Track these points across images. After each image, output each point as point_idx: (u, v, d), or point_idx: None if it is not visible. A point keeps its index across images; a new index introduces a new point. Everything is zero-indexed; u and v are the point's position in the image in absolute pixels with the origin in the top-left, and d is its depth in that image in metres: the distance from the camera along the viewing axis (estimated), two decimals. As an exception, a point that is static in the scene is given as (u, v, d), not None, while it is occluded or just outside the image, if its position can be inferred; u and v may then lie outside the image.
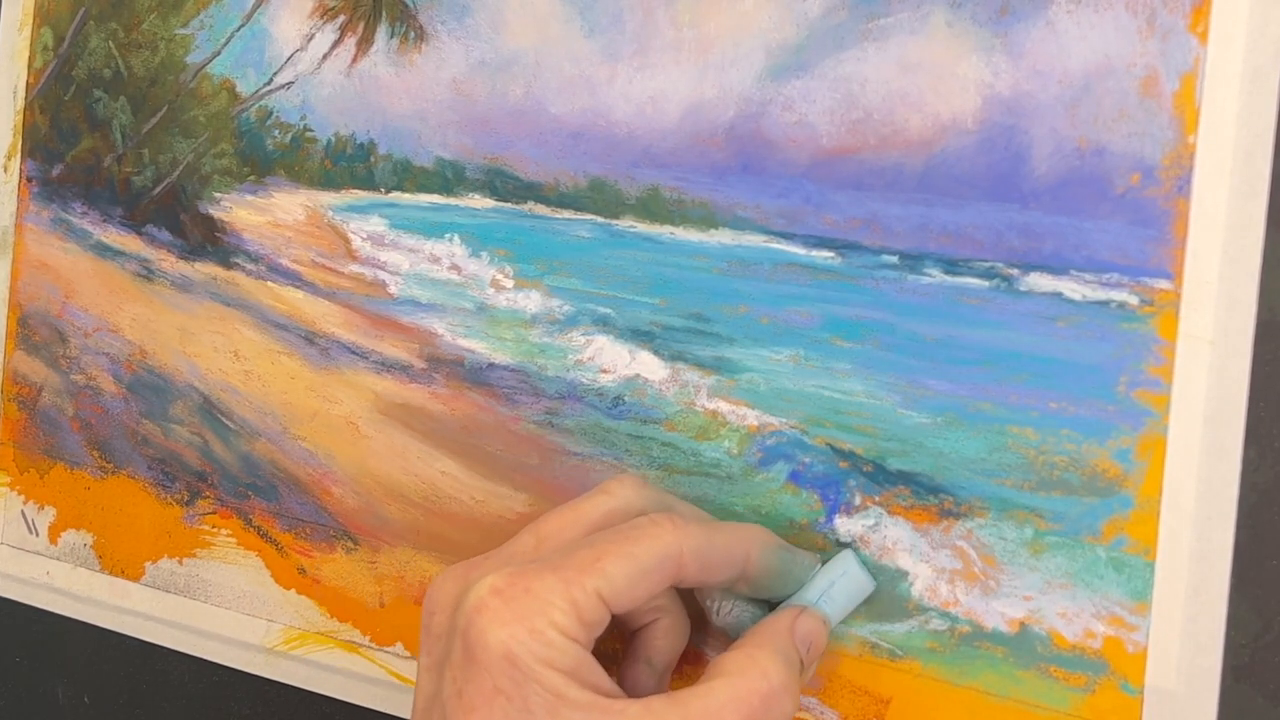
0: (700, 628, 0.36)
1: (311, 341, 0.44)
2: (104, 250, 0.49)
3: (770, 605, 0.35)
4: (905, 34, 0.35)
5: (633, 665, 0.35)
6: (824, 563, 0.35)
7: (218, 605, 0.46)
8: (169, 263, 0.47)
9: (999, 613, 0.34)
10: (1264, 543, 0.31)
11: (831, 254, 0.36)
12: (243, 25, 0.45)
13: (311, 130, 0.44)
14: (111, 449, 0.48)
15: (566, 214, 0.40)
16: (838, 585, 0.35)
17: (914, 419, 0.35)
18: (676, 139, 0.38)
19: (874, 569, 0.35)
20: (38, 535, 0.50)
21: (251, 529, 0.45)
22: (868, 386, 0.36)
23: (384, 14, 0.43)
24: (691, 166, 0.38)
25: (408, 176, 0.42)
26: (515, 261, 0.41)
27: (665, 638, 0.35)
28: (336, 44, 0.44)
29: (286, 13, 0.45)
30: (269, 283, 0.45)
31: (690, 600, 0.36)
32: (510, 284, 0.41)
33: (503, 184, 0.41)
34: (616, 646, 0.36)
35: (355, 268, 0.44)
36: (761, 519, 0.37)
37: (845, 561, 0.35)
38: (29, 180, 0.50)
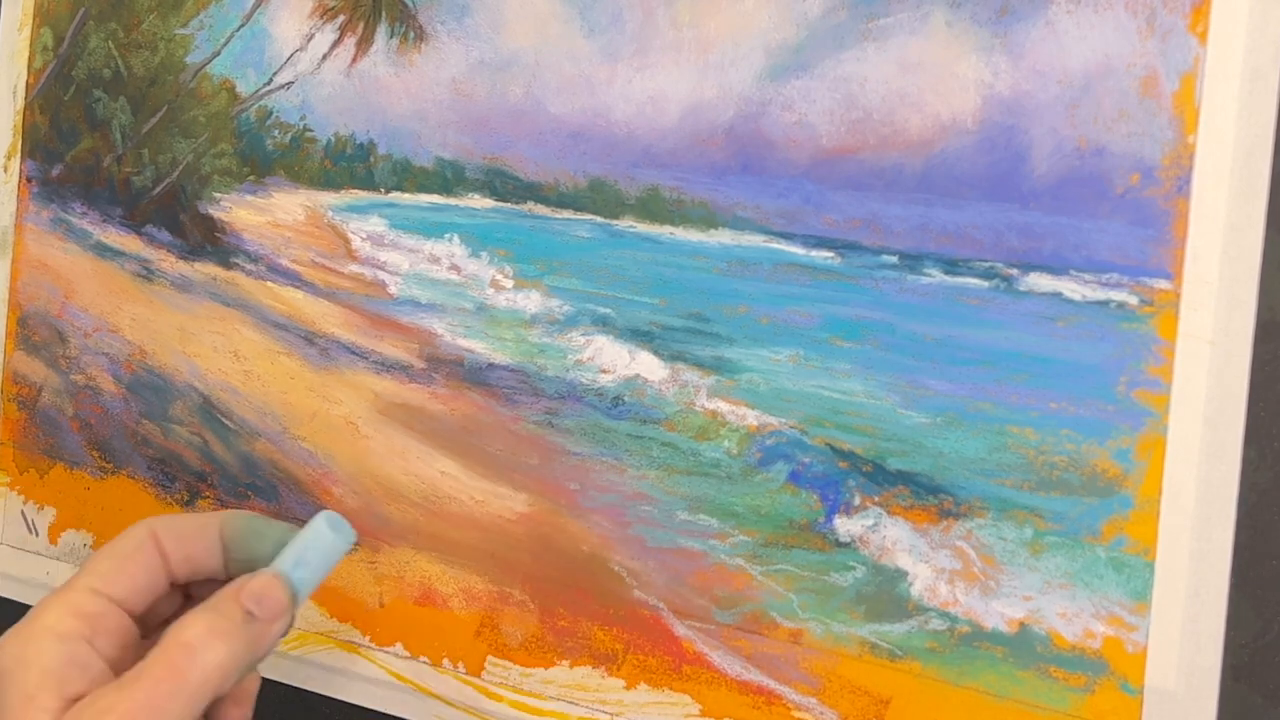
0: None
1: (311, 341, 0.44)
2: (104, 250, 0.49)
3: None
4: (905, 34, 0.35)
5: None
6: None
7: (217, 605, 0.46)
8: (169, 263, 0.47)
9: (999, 613, 0.34)
10: (1264, 543, 0.31)
11: (831, 254, 0.36)
12: (243, 25, 0.45)
13: (311, 130, 0.44)
14: (111, 449, 0.48)
15: (566, 214, 0.40)
16: (310, 548, 0.36)
17: (914, 419, 0.35)
18: (676, 139, 0.38)
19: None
20: (38, 535, 0.50)
21: (251, 529, 0.45)
22: (868, 386, 0.36)
23: (384, 14, 0.43)
24: (691, 166, 0.38)
25: (407, 176, 0.42)
26: (515, 261, 0.41)
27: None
28: (336, 44, 0.44)
29: (286, 13, 0.45)
30: (269, 283, 0.45)
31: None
32: (510, 284, 0.41)
33: (502, 184, 0.41)
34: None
35: (355, 268, 0.44)
36: (761, 519, 0.37)
37: (316, 524, 0.37)
38: (29, 180, 0.50)
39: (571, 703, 0.39)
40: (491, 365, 0.41)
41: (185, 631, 0.33)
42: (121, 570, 0.35)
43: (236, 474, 0.46)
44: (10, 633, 0.33)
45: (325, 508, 0.44)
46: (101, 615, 0.34)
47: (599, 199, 0.39)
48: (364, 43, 0.43)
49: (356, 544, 0.39)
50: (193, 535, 0.36)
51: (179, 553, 0.36)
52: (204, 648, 0.33)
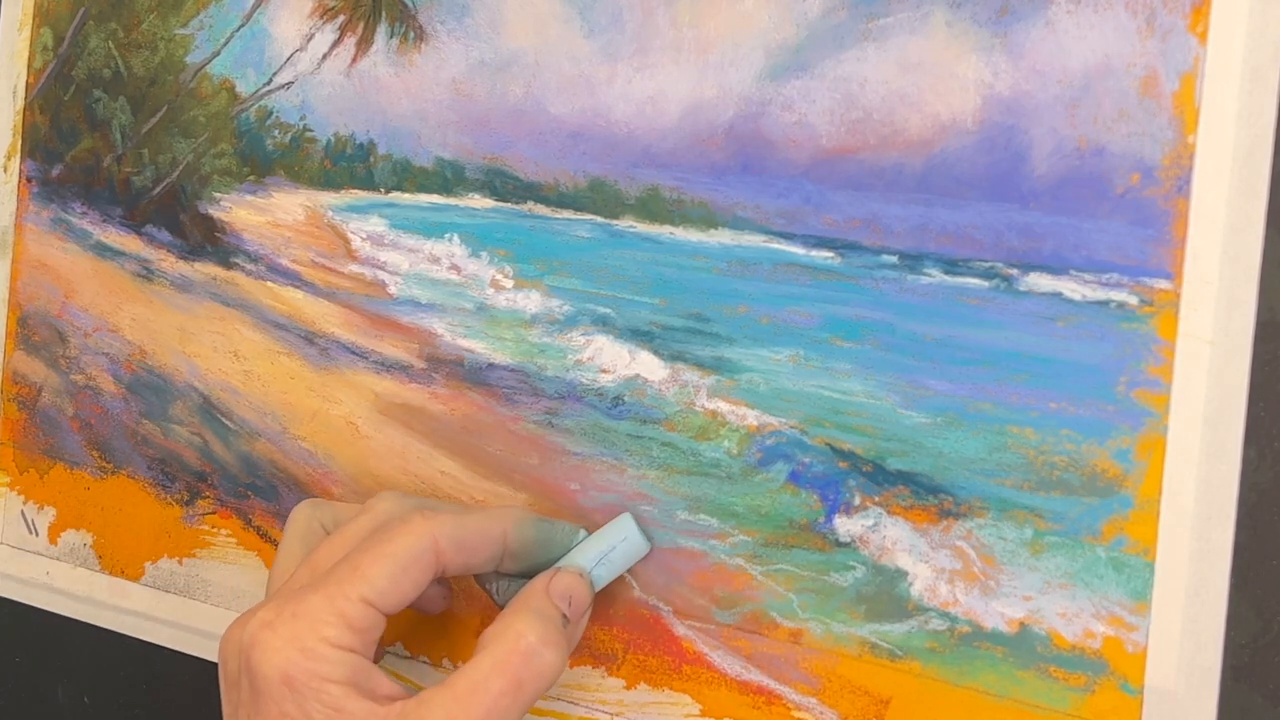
0: None
1: (311, 341, 0.44)
2: (104, 250, 0.49)
3: None
4: (905, 34, 0.35)
5: None
6: (588, 531, 0.37)
7: (217, 605, 0.46)
8: (169, 263, 0.47)
9: (999, 613, 0.34)
10: (1264, 543, 0.31)
11: (831, 254, 0.36)
12: (242, 25, 0.45)
13: (311, 130, 0.44)
14: (111, 449, 0.48)
15: (566, 214, 0.40)
16: (619, 550, 0.36)
17: (914, 419, 0.35)
18: (676, 139, 0.38)
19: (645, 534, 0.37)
20: (38, 535, 0.50)
21: (251, 529, 0.45)
22: (868, 386, 0.36)
23: (384, 14, 0.43)
24: (691, 166, 0.38)
25: (407, 176, 0.42)
26: (515, 261, 0.41)
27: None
28: (336, 44, 0.44)
29: (286, 13, 0.45)
30: (269, 283, 0.45)
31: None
32: (510, 284, 0.41)
33: (502, 184, 0.41)
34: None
35: (355, 268, 0.44)
36: (761, 519, 0.37)
37: (624, 525, 0.37)
38: (29, 180, 0.50)
39: (571, 702, 0.39)
40: (491, 365, 0.41)
41: (521, 640, 0.32)
42: (397, 586, 0.33)
43: (236, 474, 0.46)
44: (282, 639, 0.31)
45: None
46: (372, 629, 0.33)
47: (599, 199, 0.39)
48: (364, 43, 0.43)
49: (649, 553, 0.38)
50: (477, 546, 0.35)
51: (458, 562, 0.34)
52: (538, 657, 0.32)
